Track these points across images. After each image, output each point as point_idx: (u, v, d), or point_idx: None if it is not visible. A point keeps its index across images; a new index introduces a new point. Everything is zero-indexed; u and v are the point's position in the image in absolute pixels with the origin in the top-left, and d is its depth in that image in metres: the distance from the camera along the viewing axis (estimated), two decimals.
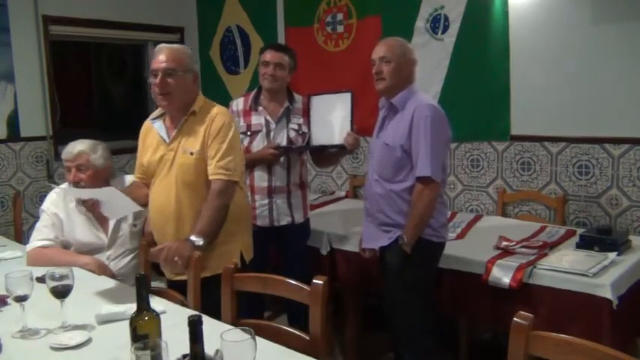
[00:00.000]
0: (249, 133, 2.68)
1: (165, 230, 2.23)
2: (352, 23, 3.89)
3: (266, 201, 2.68)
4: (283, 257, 2.84)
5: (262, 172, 2.69)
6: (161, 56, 2.13)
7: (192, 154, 2.17)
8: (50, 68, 4.04)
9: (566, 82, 3.05)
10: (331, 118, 2.70)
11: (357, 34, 3.87)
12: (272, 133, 2.69)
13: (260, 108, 2.71)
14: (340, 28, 3.95)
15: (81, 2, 4.16)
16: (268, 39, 4.35)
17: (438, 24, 3.47)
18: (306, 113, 2.78)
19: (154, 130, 2.27)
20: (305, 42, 4.04)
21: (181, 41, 4.87)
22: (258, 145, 2.68)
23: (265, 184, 2.68)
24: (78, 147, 2.40)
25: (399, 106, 2.31)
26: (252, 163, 2.64)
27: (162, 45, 2.19)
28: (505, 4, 3.19)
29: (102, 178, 2.45)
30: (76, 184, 2.37)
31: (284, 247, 2.82)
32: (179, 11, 4.81)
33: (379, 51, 2.34)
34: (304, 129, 2.76)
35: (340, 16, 3.95)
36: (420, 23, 3.53)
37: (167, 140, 2.22)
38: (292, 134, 2.73)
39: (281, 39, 4.28)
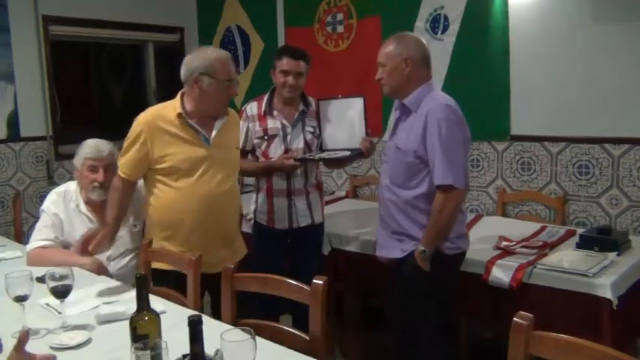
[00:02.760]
0: (266, 137, 2.66)
1: (209, 224, 2.24)
2: (352, 23, 3.89)
3: (285, 203, 2.65)
4: (299, 260, 2.75)
5: (280, 175, 2.66)
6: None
7: (237, 148, 2.39)
8: (50, 68, 4.04)
9: (566, 82, 3.04)
10: (344, 122, 2.68)
11: (357, 34, 3.87)
12: (289, 137, 2.67)
13: (275, 112, 2.68)
14: (340, 29, 3.96)
15: (81, 2, 4.17)
16: (268, 39, 4.36)
17: (437, 24, 3.47)
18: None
19: (185, 127, 2.20)
20: (305, 42, 4.03)
21: (181, 41, 4.87)
22: (276, 148, 2.65)
23: (284, 186, 2.65)
24: (106, 147, 2.47)
25: (413, 107, 2.15)
26: (271, 171, 2.63)
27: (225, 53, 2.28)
28: (505, 4, 3.19)
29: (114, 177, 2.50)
30: (101, 184, 2.41)
31: (302, 248, 2.75)
32: (179, 11, 4.81)
33: (378, 56, 2.22)
34: (319, 131, 2.75)
35: (340, 17, 3.95)
36: (420, 23, 3.53)
37: (210, 139, 2.23)
38: (309, 137, 2.71)
39: (281, 39, 4.29)
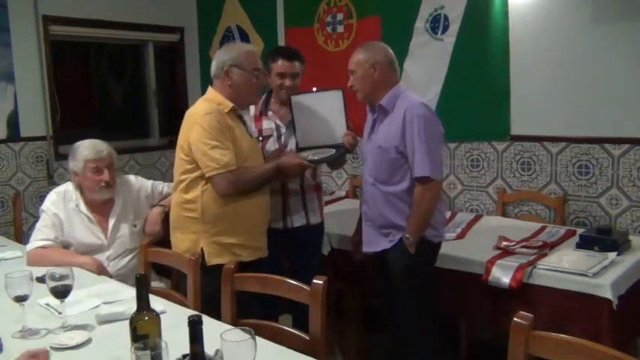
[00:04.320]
0: (260, 138, 2.64)
1: (263, 210, 2.38)
2: (352, 23, 3.89)
3: (279, 202, 2.63)
4: (298, 260, 2.76)
5: None
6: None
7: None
8: (50, 68, 4.04)
9: (566, 82, 3.04)
10: (322, 117, 2.58)
11: (357, 34, 3.86)
12: (283, 137, 2.65)
13: (270, 113, 2.68)
14: (340, 28, 3.95)
15: (81, 2, 4.16)
16: (268, 39, 4.35)
17: (437, 24, 3.47)
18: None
19: (236, 120, 2.30)
20: (305, 42, 4.04)
21: (181, 41, 4.87)
22: (270, 148, 2.63)
23: (278, 186, 2.62)
24: (103, 146, 2.47)
25: (389, 107, 2.29)
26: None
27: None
28: (505, 4, 3.19)
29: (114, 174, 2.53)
30: (107, 183, 2.43)
31: (299, 249, 2.75)
32: (179, 11, 4.81)
33: (348, 64, 2.35)
34: None
35: (340, 16, 3.95)
36: (420, 23, 3.52)
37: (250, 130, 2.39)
38: None
39: (281, 39, 4.28)
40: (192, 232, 2.27)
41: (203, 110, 2.22)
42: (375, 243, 2.38)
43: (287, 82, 2.60)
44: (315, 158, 2.44)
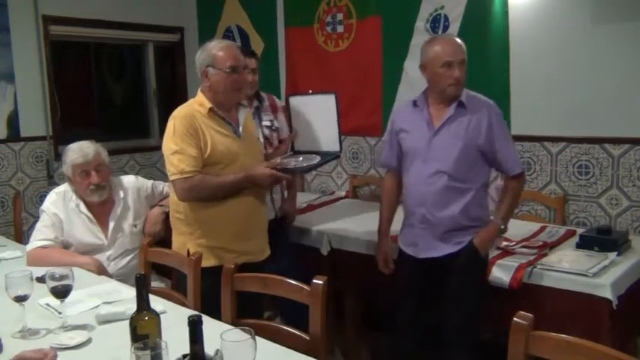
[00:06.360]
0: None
1: (253, 213, 2.29)
2: (352, 23, 3.89)
3: None
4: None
5: None
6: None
7: (258, 138, 2.53)
8: (50, 68, 4.04)
9: (566, 82, 3.04)
10: (315, 122, 2.53)
11: (357, 34, 3.86)
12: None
13: None
14: (340, 28, 3.95)
15: (81, 2, 4.16)
16: (268, 39, 4.35)
17: (438, 24, 3.47)
18: (276, 109, 2.74)
19: (218, 121, 2.21)
20: (305, 42, 4.04)
21: (181, 41, 4.87)
22: None
23: None
24: (90, 149, 2.45)
25: (467, 104, 2.21)
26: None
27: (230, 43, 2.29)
28: (505, 4, 3.19)
29: (109, 174, 2.52)
30: (97, 185, 2.41)
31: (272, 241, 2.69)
32: (179, 11, 4.81)
33: (459, 52, 2.16)
34: (276, 124, 2.75)
35: (340, 16, 3.94)
36: (420, 23, 3.52)
37: (239, 131, 2.27)
38: (267, 132, 2.71)
39: (281, 39, 4.28)
40: (180, 233, 2.27)
41: (175, 112, 2.22)
42: (436, 248, 2.25)
43: (249, 77, 2.57)
44: (289, 167, 2.30)
